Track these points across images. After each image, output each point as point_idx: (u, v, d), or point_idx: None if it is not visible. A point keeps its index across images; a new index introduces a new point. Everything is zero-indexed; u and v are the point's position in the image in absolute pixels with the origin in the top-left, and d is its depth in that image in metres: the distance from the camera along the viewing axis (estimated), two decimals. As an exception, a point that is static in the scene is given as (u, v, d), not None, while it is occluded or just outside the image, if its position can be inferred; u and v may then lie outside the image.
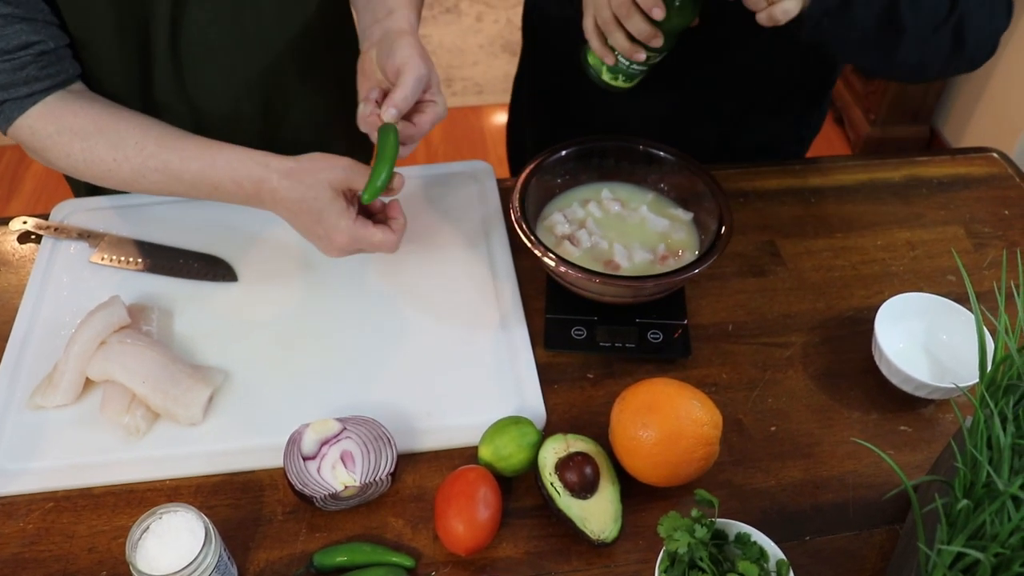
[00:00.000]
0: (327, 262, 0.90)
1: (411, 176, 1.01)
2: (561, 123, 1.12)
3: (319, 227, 0.74)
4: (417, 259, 0.91)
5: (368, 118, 0.74)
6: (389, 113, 0.73)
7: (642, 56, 0.81)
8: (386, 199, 0.77)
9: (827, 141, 2.50)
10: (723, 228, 0.81)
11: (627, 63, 0.83)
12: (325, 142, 0.96)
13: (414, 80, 0.73)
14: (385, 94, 0.76)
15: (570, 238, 0.85)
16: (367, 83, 0.77)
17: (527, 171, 0.86)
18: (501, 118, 2.61)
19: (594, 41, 0.83)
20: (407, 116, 0.76)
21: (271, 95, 0.92)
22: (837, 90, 2.53)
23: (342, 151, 0.96)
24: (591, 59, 0.86)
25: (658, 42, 0.79)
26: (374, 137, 0.75)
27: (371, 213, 0.77)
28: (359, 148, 0.99)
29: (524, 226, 0.80)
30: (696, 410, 0.69)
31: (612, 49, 0.82)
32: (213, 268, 0.89)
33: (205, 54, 0.84)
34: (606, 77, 0.86)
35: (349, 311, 0.86)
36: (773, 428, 0.78)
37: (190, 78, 0.86)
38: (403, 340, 0.83)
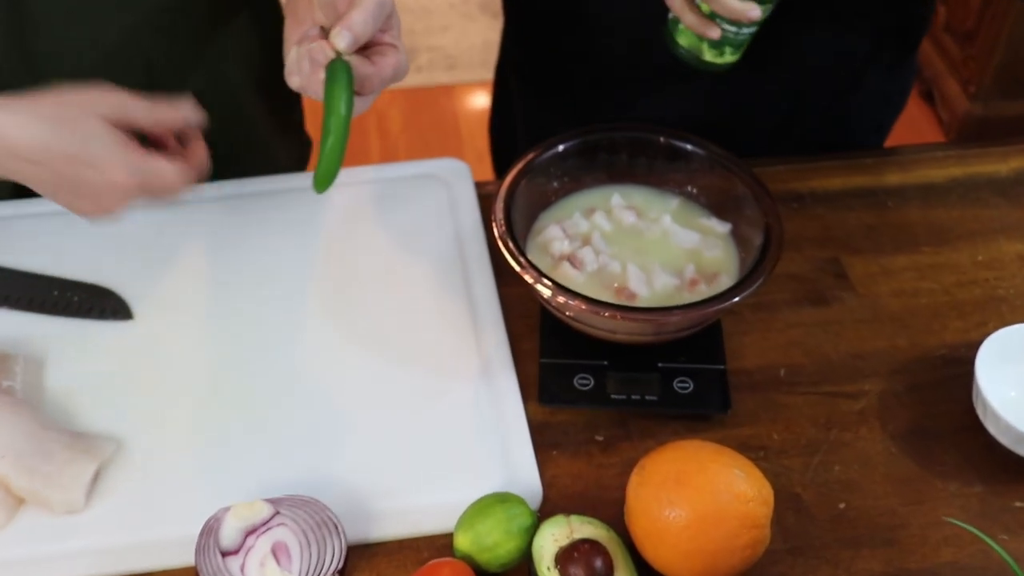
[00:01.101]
0: (253, 293, 0.91)
1: (362, 180, 1.02)
2: (560, 110, 1.13)
3: (89, 171, 0.71)
4: (372, 289, 0.92)
5: (313, 52, 0.72)
6: (342, 38, 0.70)
7: (757, 12, 0.83)
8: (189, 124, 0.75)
9: (910, 123, 2.44)
10: (771, 243, 0.82)
11: (735, 29, 0.86)
12: (240, 138, 0.97)
13: (375, 3, 0.72)
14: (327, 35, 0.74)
15: (571, 259, 0.86)
16: (299, 28, 0.76)
17: (514, 172, 0.87)
18: (480, 100, 2.62)
19: (687, 16, 0.86)
20: (362, 53, 0.74)
21: (158, 68, 0.90)
22: (925, 55, 2.52)
23: (263, 145, 0.97)
24: (683, 39, 0.90)
25: None
26: (313, 88, 0.74)
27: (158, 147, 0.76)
28: (287, 143, 0.98)
29: (511, 244, 0.81)
30: (739, 482, 0.69)
31: (712, 17, 0.86)
32: (99, 302, 0.89)
33: (60, 10, 0.82)
34: (709, 56, 0.90)
35: (283, 358, 0.87)
36: (842, 505, 0.79)
37: (40, 46, 0.84)
38: (354, 396, 0.84)
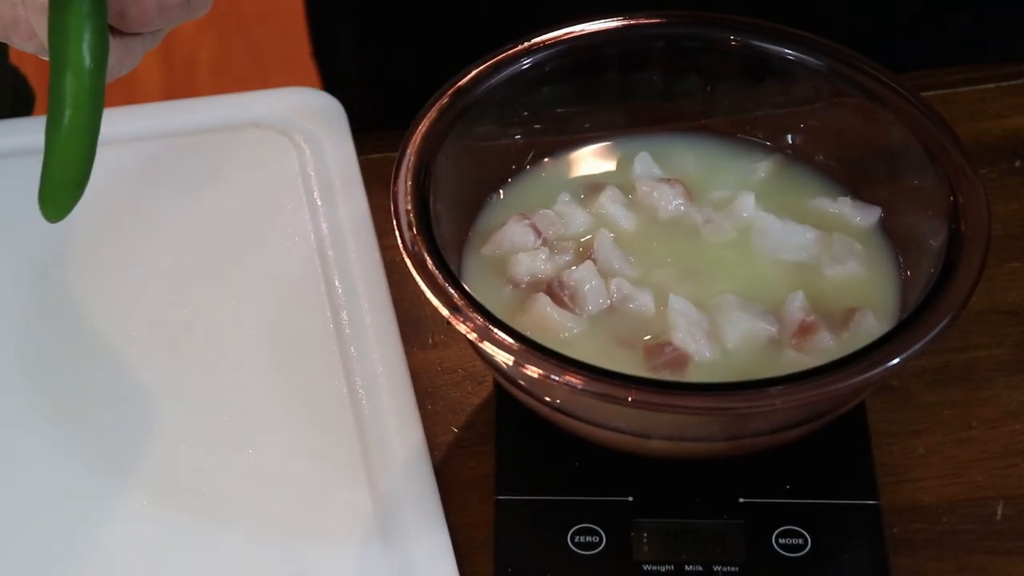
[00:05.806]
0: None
1: (129, 136, 1.03)
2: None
3: None
4: (152, 368, 0.93)
5: None
6: None
7: None
8: None
9: None
10: (964, 244, 0.80)
11: None
12: None
13: None
14: None
15: (554, 288, 0.83)
16: None
17: (432, 115, 0.87)
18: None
19: None
20: None
21: None
22: None
23: None
24: None
25: None
26: (25, 29, 0.77)
27: None
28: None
29: (431, 263, 0.79)
30: None
31: None
32: None
33: None
34: None
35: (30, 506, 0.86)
36: None
37: None
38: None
